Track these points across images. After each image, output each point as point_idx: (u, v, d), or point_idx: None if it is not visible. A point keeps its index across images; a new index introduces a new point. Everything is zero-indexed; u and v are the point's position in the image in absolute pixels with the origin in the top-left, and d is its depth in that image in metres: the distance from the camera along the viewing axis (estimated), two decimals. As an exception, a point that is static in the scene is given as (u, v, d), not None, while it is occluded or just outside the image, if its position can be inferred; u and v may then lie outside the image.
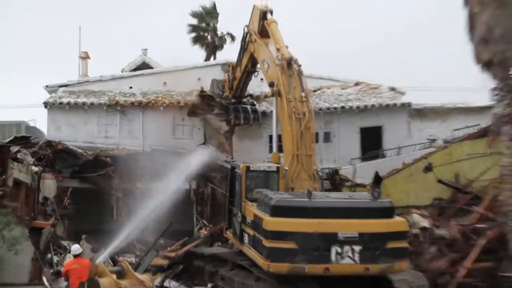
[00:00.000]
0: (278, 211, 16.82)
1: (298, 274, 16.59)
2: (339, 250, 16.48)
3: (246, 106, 29.92)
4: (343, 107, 31.83)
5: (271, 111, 22.91)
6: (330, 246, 16.44)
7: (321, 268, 16.44)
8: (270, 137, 26.03)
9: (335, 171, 28.27)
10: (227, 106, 29.58)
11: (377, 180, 24.30)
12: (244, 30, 25.39)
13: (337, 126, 32.06)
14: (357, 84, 35.70)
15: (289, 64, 21.33)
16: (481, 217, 23.82)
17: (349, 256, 16.52)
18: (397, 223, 17.36)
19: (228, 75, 29.31)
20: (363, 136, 32.16)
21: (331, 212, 16.90)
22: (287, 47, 22.21)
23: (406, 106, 32.66)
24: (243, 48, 25.95)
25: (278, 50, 22.15)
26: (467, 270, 21.39)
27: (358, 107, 31.94)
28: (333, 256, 16.47)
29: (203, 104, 30.70)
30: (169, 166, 26.55)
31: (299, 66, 21.42)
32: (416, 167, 27.94)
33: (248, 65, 26.15)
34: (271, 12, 24.20)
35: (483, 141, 27.77)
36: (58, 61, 70.08)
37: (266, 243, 16.79)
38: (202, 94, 30.85)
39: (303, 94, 20.91)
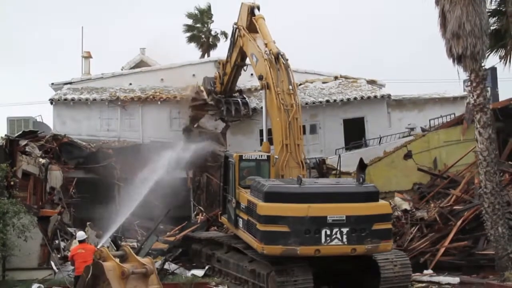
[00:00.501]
0: (271, 197, 16.81)
1: (290, 256, 16.59)
2: (328, 232, 16.48)
3: (237, 99, 29.66)
4: (327, 101, 31.57)
5: (261, 107, 22.63)
6: (320, 229, 16.46)
7: (312, 249, 16.46)
8: (261, 131, 25.74)
9: (322, 161, 28.11)
10: (219, 100, 29.32)
11: (362, 166, 24.17)
12: (233, 27, 25.12)
13: (322, 119, 31.77)
14: (336, 78, 35.44)
15: (277, 58, 21.13)
16: (457, 199, 23.95)
17: (337, 238, 16.57)
18: (381, 206, 17.41)
19: (218, 72, 29.09)
20: (346, 127, 31.93)
21: (320, 197, 16.92)
22: (274, 42, 22.01)
23: (385, 97, 32.47)
24: (233, 44, 25.66)
25: (266, 45, 21.95)
26: (446, 249, 21.51)
27: (341, 100, 31.68)
28: (322, 238, 16.49)
29: (197, 111, 30.45)
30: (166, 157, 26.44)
31: (286, 60, 21.22)
32: (397, 155, 27.97)
33: (237, 60, 25.83)
34: (258, 8, 24.00)
35: (458, 129, 27.96)
36: (62, 60, 69.73)
37: (260, 226, 16.78)
38: (193, 103, 30.58)
39: (290, 87, 20.75)
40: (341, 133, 31.76)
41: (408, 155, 27.69)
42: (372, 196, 17.29)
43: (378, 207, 17.22)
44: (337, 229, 16.47)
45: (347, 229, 16.51)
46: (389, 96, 32.59)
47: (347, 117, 31.96)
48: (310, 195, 16.83)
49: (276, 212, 16.57)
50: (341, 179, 23.80)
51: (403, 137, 30.10)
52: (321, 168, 27.54)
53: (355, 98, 31.79)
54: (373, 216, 16.87)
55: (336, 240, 16.49)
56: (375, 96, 32.16)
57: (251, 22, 23.84)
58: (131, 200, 23.33)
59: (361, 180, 17.69)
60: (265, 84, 20.91)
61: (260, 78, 21.42)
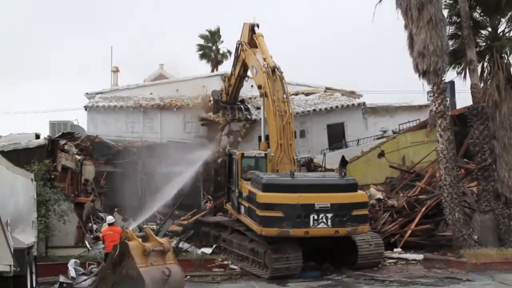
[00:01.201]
0: (268, 187, 16.88)
1: (284, 236, 16.63)
2: (315, 217, 16.55)
3: (240, 106, 29.57)
4: (314, 110, 31.27)
5: (260, 118, 22.49)
6: (308, 214, 16.53)
7: (302, 231, 16.53)
8: (259, 138, 25.49)
9: (310, 160, 27.95)
10: (225, 107, 29.23)
11: (343, 162, 24.00)
12: (237, 43, 24.85)
13: (310, 125, 31.29)
14: (316, 92, 35.21)
15: (273, 71, 20.87)
16: (422, 190, 23.97)
17: (323, 222, 16.63)
18: (359, 195, 17.50)
19: (224, 85, 28.92)
20: (329, 131, 31.56)
21: (309, 188, 16.99)
22: (271, 56, 21.79)
23: (361, 105, 32.21)
24: (236, 58, 25.33)
25: (264, 59, 21.69)
26: (412, 231, 21.53)
27: (325, 109, 31.46)
28: (311, 222, 16.55)
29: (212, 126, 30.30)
30: (181, 155, 26.33)
31: (281, 73, 21.00)
32: (372, 154, 27.79)
33: (240, 71, 25.42)
34: (258, 26, 23.71)
35: (422, 132, 27.88)
36: (94, 73, 69.01)
37: (259, 212, 16.82)
38: (202, 122, 30.47)
39: (284, 96, 20.59)
40: (325, 136, 31.34)
41: (381, 154, 27.55)
42: (352, 187, 17.34)
43: (357, 196, 17.30)
44: (323, 215, 16.54)
45: (331, 214, 16.59)
46: (364, 103, 32.34)
47: (330, 122, 31.51)
48: (301, 186, 16.90)
49: (273, 200, 16.63)
50: (326, 173, 23.76)
51: (377, 139, 29.87)
52: (309, 166, 27.40)
53: (336, 107, 31.58)
54: (352, 204, 16.95)
55: (322, 224, 16.56)
56: (353, 105, 31.92)
57: (252, 38, 23.57)
58: (164, 190, 23.21)
59: (343, 174, 17.80)
60: (264, 93, 20.76)
61: (259, 87, 21.24)
